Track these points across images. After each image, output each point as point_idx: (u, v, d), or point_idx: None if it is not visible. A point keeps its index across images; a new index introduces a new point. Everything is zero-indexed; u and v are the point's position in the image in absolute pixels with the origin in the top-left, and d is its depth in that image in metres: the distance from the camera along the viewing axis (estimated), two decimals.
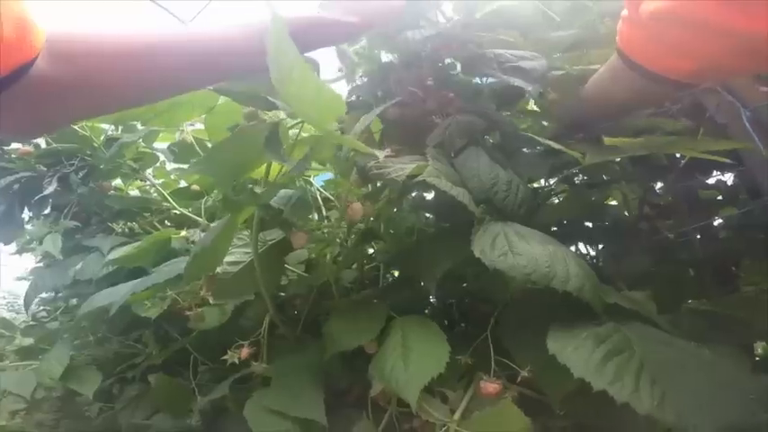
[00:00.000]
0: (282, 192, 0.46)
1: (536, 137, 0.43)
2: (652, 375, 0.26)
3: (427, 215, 0.61)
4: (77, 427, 0.83)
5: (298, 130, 0.39)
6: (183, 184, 0.92)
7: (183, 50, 0.32)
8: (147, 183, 0.89)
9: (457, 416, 0.37)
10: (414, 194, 0.52)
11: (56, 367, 0.70)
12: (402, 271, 0.56)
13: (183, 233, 0.67)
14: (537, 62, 0.40)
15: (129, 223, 0.82)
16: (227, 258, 0.52)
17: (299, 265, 0.62)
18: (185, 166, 0.92)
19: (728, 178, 0.62)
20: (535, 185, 0.59)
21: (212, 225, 0.48)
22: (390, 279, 0.68)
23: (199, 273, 0.46)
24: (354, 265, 0.60)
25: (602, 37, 0.53)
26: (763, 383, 0.31)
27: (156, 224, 0.83)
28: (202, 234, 0.63)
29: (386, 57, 0.54)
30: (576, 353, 0.27)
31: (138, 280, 0.52)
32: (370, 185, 0.42)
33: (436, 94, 0.40)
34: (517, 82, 0.38)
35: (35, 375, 0.73)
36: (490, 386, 0.34)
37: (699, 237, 0.63)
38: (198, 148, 0.82)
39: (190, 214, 0.78)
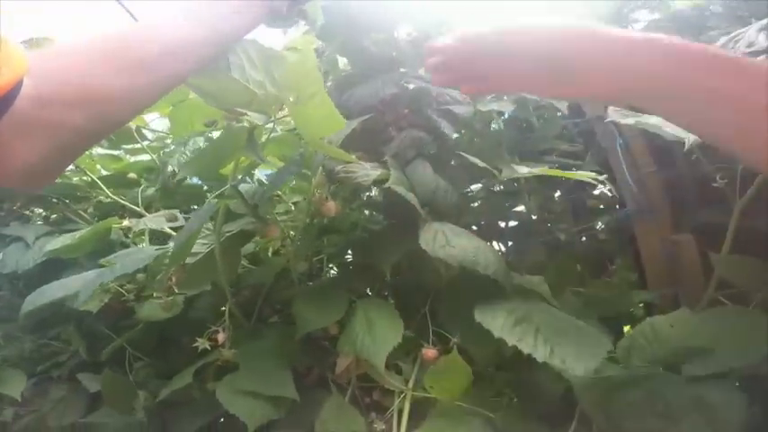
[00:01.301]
0: (246, 186, 0.50)
1: (464, 153, 0.53)
2: (545, 336, 0.38)
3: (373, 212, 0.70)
4: None
5: (268, 132, 0.44)
6: (103, 171, 0.87)
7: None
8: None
9: (411, 384, 0.46)
10: (365, 195, 0.59)
11: None
12: (355, 259, 0.63)
13: (126, 223, 0.65)
14: (465, 108, 0.50)
15: (53, 211, 0.75)
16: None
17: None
18: (117, 153, 0.88)
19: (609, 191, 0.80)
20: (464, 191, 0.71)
21: (192, 216, 0.50)
22: (332, 268, 0.74)
23: (179, 262, 0.48)
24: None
25: None
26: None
27: (81, 212, 0.78)
28: (147, 224, 0.63)
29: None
30: (495, 320, 0.38)
31: (98, 272, 0.51)
32: (332, 186, 0.48)
33: (393, 110, 0.48)
34: (444, 126, 0.47)
35: None
36: (430, 352, 0.44)
37: (584, 237, 0.81)
38: (136, 135, 0.79)
39: (125, 202, 0.76)
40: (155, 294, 0.65)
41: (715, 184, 0.49)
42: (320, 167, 0.44)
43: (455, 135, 0.53)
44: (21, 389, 0.65)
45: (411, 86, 0.50)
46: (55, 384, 0.73)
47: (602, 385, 0.42)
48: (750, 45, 0.45)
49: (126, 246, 0.78)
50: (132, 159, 0.89)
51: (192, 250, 0.53)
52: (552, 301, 0.44)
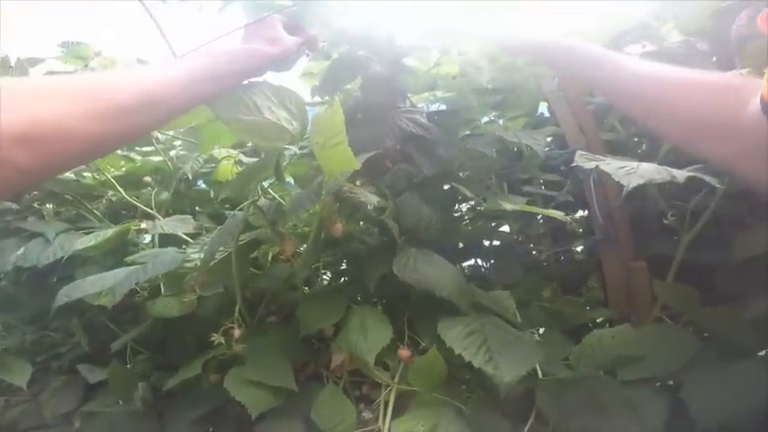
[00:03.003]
0: (264, 203, 0.61)
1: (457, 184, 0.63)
2: (488, 346, 0.49)
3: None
4: None
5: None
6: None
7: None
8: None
9: (396, 379, 0.57)
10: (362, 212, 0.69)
11: None
12: (349, 270, 0.74)
13: (143, 225, 0.75)
14: (444, 149, 0.60)
15: (66, 208, 0.84)
16: (196, 255, 0.64)
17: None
18: (131, 154, 0.98)
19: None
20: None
21: (222, 228, 0.60)
22: (326, 275, 0.85)
23: (207, 266, 0.59)
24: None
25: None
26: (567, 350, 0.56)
27: (96, 212, 0.87)
28: (164, 228, 0.73)
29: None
30: (451, 331, 0.50)
31: (130, 270, 0.61)
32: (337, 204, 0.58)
33: (389, 146, 0.59)
34: (424, 165, 0.58)
35: None
36: (404, 352, 0.55)
37: (562, 258, 0.92)
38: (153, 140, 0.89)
39: (138, 204, 0.85)
40: (163, 293, 0.74)
41: (666, 221, 0.60)
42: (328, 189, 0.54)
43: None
44: (27, 378, 0.72)
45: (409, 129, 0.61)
46: (54, 375, 0.80)
47: (554, 385, 0.53)
48: None
49: (136, 245, 0.87)
50: (139, 159, 0.98)
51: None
52: (511, 315, 0.55)
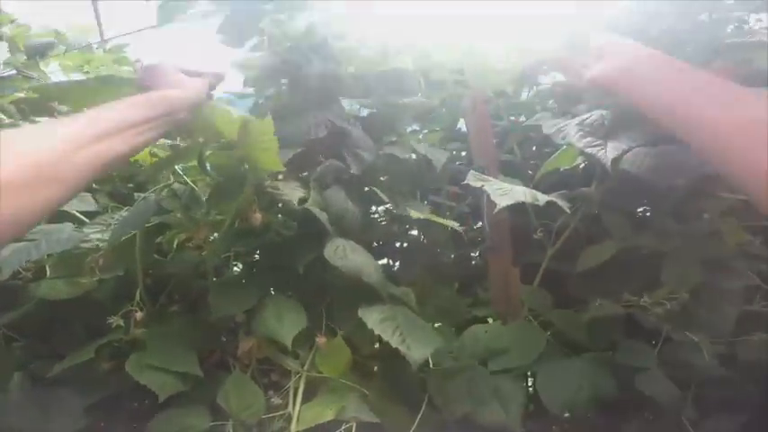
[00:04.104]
0: (179, 187, 0.62)
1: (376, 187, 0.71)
2: (401, 330, 0.57)
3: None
4: None
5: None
6: None
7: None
8: None
9: (306, 366, 0.62)
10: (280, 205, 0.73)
11: None
12: (263, 260, 0.77)
13: None
14: (369, 155, 0.67)
15: None
16: (97, 235, 0.62)
17: None
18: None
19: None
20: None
21: (133, 210, 0.59)
22: (236, 265, 0.87)
23: (111, 246, 0.57)
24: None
25: None
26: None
27: None
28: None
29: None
30: (371, 316, 0.57)
31: (22, 246, 0.56)
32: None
33: (321, 142, 0.64)
34: (353, 166, 0.64)
35: None
36: (321, 339, 0.61)
37: (462, 262, 1.06)
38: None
39: None
40: (49, 274, 0.70)
41: (535, 236, 0.75)
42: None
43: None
44: None
45: (339, 125, 0.67)
46: None
47: (439, 374, 0.63)
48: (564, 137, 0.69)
49: None
50: None
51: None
52: (414, 307, 0.65)
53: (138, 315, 0.60)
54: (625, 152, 0.52)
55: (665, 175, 0.50)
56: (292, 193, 0.56)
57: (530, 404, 0.68)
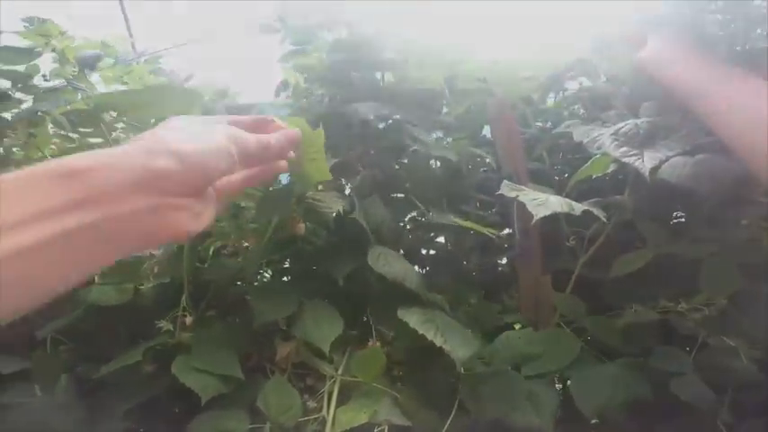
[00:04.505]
0: None
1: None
2: (442, 331, 0.59)
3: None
4: None
5: None
6: None
7: None
8: None
9: (340, 371, 0.64)
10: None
11: None
12: (295, 267, 0.80)
13: None
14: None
15: None
16: None
17: None
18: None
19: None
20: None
21: None
22: (270, 275, 0.90)
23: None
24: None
25: None
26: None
27: None
28: None
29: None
30: (411, 317, 0.59)
31: None
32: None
33: (359, 150, 0.67)
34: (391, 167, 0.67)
35: None
36: (371, 343, 0.64)
37: (489, 268, 1.08)
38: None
39: None
40: (96, 280, 0.74)
41: (568, 244, 0.76)
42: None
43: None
44: None
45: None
46: None
47: (473, 379, 0.65)
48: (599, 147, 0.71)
49: None
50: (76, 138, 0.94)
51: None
52: (449, 312, 0.67)
53: (188, 319, 0.63)
54: (663, 162, 0.54)
55: (704, 183, 0.52)
56: (334, 203, 0.59)
57: (560, 409, 0.69)
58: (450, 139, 1.19)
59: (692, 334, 0.68)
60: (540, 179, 0.93)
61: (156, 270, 0.63)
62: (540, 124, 1.12)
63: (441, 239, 1.05)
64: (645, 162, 0.53)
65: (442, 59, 0.89)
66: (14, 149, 0.96)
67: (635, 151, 0.56)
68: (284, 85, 1.02)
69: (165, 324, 0.63)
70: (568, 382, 0.66)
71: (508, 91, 0.87)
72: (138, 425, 0.74)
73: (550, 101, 1.14)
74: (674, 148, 0.55)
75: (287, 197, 0.58)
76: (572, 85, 1.05)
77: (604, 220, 0.58)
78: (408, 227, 1.03)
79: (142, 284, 0.65)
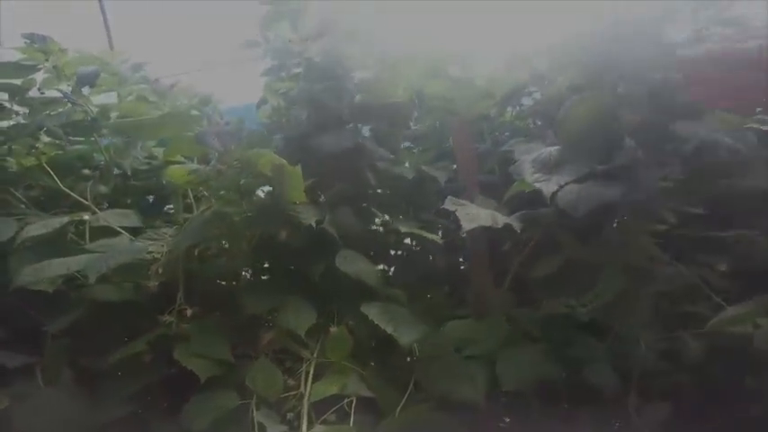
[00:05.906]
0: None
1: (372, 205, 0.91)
2: (394, 321, 0.77)
3: None
4: None
5: None
6: None
7: None
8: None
9: (315, 354, 0.81)
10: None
11: None
12: (273, 266, 0.97)
13: (86, 217, 0.88)
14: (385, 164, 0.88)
15: None
16: (155, 248, 0.81)
17: None
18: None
19: None
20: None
21: (191, 225, 0.79)
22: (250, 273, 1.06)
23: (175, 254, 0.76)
24: None
25: None
26: None
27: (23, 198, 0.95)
28: (108, 220, 0.87)
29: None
30: (371, 311, 0.76)
31: (96, 255, 0.75)
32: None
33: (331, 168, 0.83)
34: (370, 178, 0.85)
35: None
36: (332, 329, 0.80)
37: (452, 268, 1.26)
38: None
39: (73, 195, 0.95)
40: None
41: (503, 248, 0.94)
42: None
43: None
44: None
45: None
46: None
47: (426, 360, 0.83)
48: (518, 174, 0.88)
49: (64, 235, 0.97)
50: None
51: (156, 249, 0.81)
52: (405, 305, 0.84)
53: (189, 312, 0.79)
54: (561, 187, 0.71)
55: (579, 210, 0.69)
56: (310, 215, 0.76)
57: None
58: (419, 149, 1.36)
59: (607, 325, 0.87)
60: (491, 191, 1.11)
61: (159, 271, 0.78)
62: (497, 135, 1.30)
63: (408, 241, 1.23)
64: (549, 187, 0.71)
65: (410, 79, 1.05)
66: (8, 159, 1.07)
67: (546, 177, 0.73)
68: (264, 101, 1.17)
69: (167, 317, 0.78)
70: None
71: (467, 109, 1.04)
72: (139, 407, 0.88)
73: (509, 112, 1.31)
74: (573, 173, 0.72)
75: (274, 211, 0.74)
76: (528, 101, 1.24)
77: (518, 230, 0.75)
78: (382, 230, 1.20)
79: (149, 283, 0.79)
